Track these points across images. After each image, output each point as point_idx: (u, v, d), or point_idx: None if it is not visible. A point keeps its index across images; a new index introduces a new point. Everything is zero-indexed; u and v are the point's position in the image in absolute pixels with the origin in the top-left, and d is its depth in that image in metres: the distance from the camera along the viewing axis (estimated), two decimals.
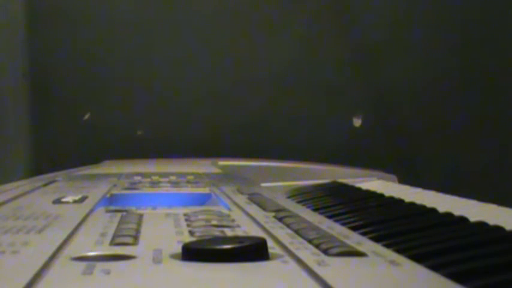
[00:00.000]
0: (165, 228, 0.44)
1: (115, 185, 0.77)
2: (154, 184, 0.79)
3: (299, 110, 1.59)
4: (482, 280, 0.42)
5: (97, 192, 0.68)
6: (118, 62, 1.56)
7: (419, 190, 0.93)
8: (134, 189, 0.74)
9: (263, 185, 0.95)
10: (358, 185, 1.05)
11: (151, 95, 1.58)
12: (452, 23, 1.62)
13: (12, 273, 0.30)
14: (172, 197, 0.69)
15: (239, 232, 0.42)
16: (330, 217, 0.62)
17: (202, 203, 0.65)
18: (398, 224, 0.63)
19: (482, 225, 0.60)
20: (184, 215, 0.49)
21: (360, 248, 0.37)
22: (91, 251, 0.35)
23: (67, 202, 0.58)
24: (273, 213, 0.51)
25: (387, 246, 0.44)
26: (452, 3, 1.63)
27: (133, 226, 0.43)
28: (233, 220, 0.47)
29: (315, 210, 0.72)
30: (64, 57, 1.56)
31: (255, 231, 0.43)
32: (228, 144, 1.55)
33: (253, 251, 0.33)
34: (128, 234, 0.40)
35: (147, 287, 0.29)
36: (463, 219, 0.63)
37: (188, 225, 0.44)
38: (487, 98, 1.62)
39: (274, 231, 0.42)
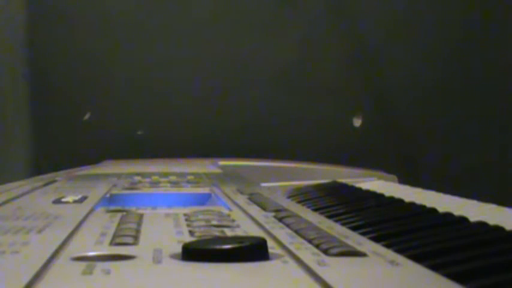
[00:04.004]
0: (165, 228, 0.44)
1: (115, 185, 0.77)
2: (154, 184, 0.79)
3: (299, 110, 1.59)
4: (482, 280, 0.42)
5: (97, 192, 0.68)
6: (118, 62, 1.57)
7: (419, 190, 0.93)
8: (134, 189, 0.74)
9: (263, 185, 0.95)
10: (358, 185, 1.05)
11: (151, 95, 1.58)
12: (453, 23, 1.62)
13: (12, 273, 0.30)
14: (172, 197, 0.69)
15: (239, 232, 0.42)
16: (330, 217, 0.62)
17: (202, 203, 0.65)
18: (398, 224, 0.63)
19: (482, 225, 0.60)
20: (184, 215, 0.49)
21: (360, 248, 0.37)
22: (91, 251, 0.35)
23: (67, 202, 0.58)
24: (273, 213, 0.51)
25: (387, 246, 0.44)
26: (452, 3, 1.63)
27: (133, 226, 0.43)
28: (233, 220, 0.47)
29: (315, 210, 0.72)
30: (64, 57, 1.56)
31: (255, 231, 0.43)
32: (228, 144, 1.55)
33: (253, 251, 0.33)
34: (128, 234, 0.40)
35: (147, 287, 0.29)
36: (463, 219, 0.63)
37: (188, 225, 0.44)
38: (487, 97, 1.62)
39: (274, 231, 0.42)
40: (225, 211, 0.53)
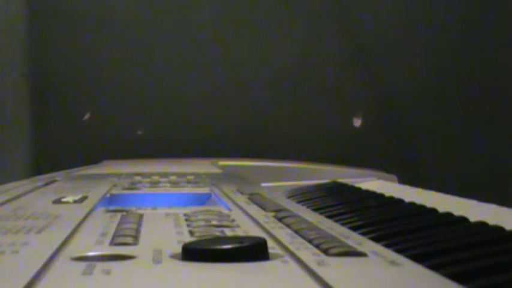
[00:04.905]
0: (165, 228, 0.44)
1: (115, 185, 0.77)
2: (154, 184, 0.79)
3: (299, 110, 1.59)
4: (482, 280, 0.42)
5: (97, 192, 0.68)
6: (118, 62, 1.57)
7: (419, 190, 0.93)
8: (134, 189, 0.74)
9: (263, 185, 0.95)
10: (358, 185, 1.05)
11: (151, 95, 1.58)
12: (453, 23, 1.62)
13: (12, 273, 0.30)
14: (172, 197, 0.69)
15: (239, 232, 0.42)
16: (330, 217, 0.62)
17: (202, 203, 0.65)
18: (398, 224, 0.63)
19: (482, 225, 0.60)
20: (184, 215, 0.49)
21: (360, 248, 0.37)
22: (91, 251, 0.35)
23: (67, 202, 0.58)
24: (273, 213, 0.51)
25: (387, 246, 0.44)
26: (452, 3, 1.63)
27: (134, 226, 0.43)
28: (233, 220, 0.47)
29: (315, 210, 0.72)
30: (64, 57, 1.56)
31: (255, 231, 0.43)
32: (228, 144, 1.55)
33: (253, 251, 0.33)
34: (128, 234, 0.40)
35: (147, 287, 0.29)
36: (463, 219, 0.63)
37: (188, 225, 0.44)
38: (487, 98, 1.62)
39: (274, 231, 0.42)
40: (225, 211, 0.53)
